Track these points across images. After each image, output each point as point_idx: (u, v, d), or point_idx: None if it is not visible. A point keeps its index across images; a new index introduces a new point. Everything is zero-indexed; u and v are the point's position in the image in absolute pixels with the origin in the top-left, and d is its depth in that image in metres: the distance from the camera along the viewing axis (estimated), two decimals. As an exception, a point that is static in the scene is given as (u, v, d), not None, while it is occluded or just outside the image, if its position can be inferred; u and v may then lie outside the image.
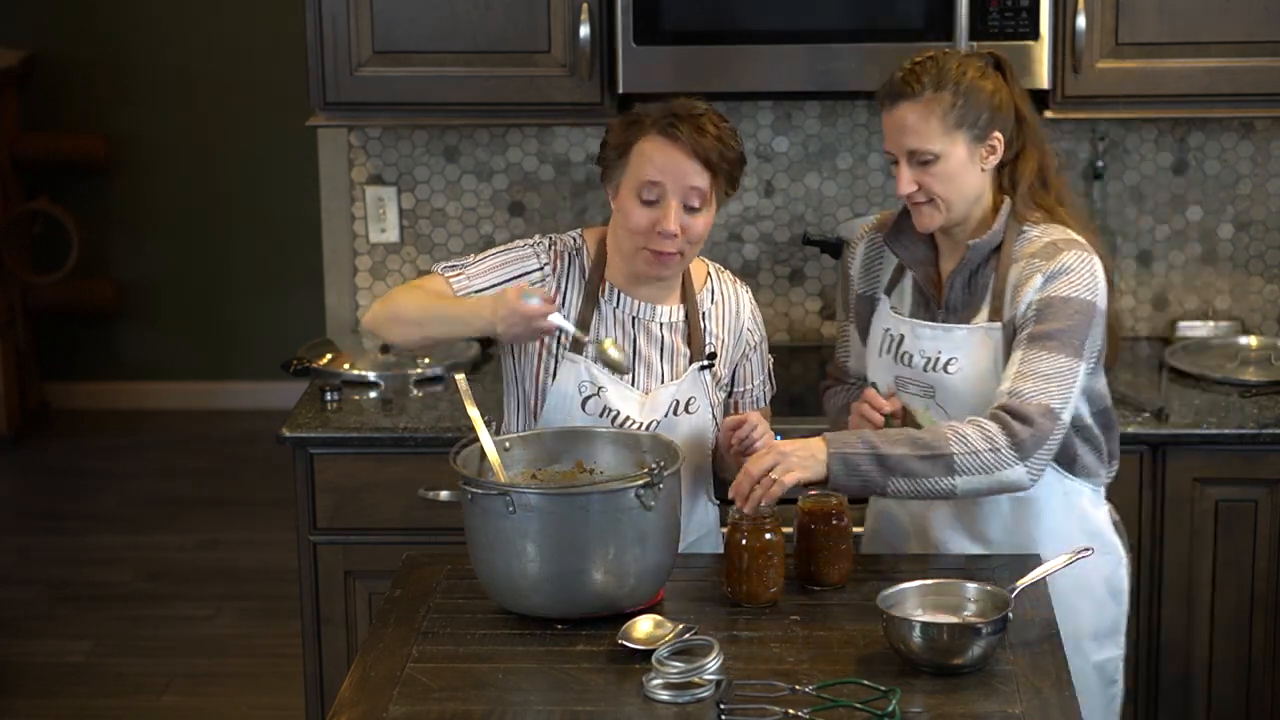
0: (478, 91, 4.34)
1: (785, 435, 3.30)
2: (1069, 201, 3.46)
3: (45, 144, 7.49)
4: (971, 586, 3.11)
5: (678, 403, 3.44)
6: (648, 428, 3.40)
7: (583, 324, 3.41)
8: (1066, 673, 3.00)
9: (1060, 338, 3.27)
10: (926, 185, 3.33)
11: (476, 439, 3.26)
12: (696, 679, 2.90)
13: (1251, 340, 4.58)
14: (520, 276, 3.42)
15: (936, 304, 3.43)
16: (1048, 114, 4.30)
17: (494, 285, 3.40)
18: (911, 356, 3.43)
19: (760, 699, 2.89)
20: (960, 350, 3.39)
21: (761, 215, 4.72)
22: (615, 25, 4.26)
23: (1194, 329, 4.66)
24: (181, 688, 5.38)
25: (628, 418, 3.41)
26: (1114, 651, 3.53)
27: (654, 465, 3.12)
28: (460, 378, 3.32)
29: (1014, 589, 3.09)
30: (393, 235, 4.76)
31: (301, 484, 4.23)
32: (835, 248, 4.56)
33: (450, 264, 3.45)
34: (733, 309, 3.53)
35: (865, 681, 2.92)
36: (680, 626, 3.05)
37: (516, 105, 4.36)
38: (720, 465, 3.50)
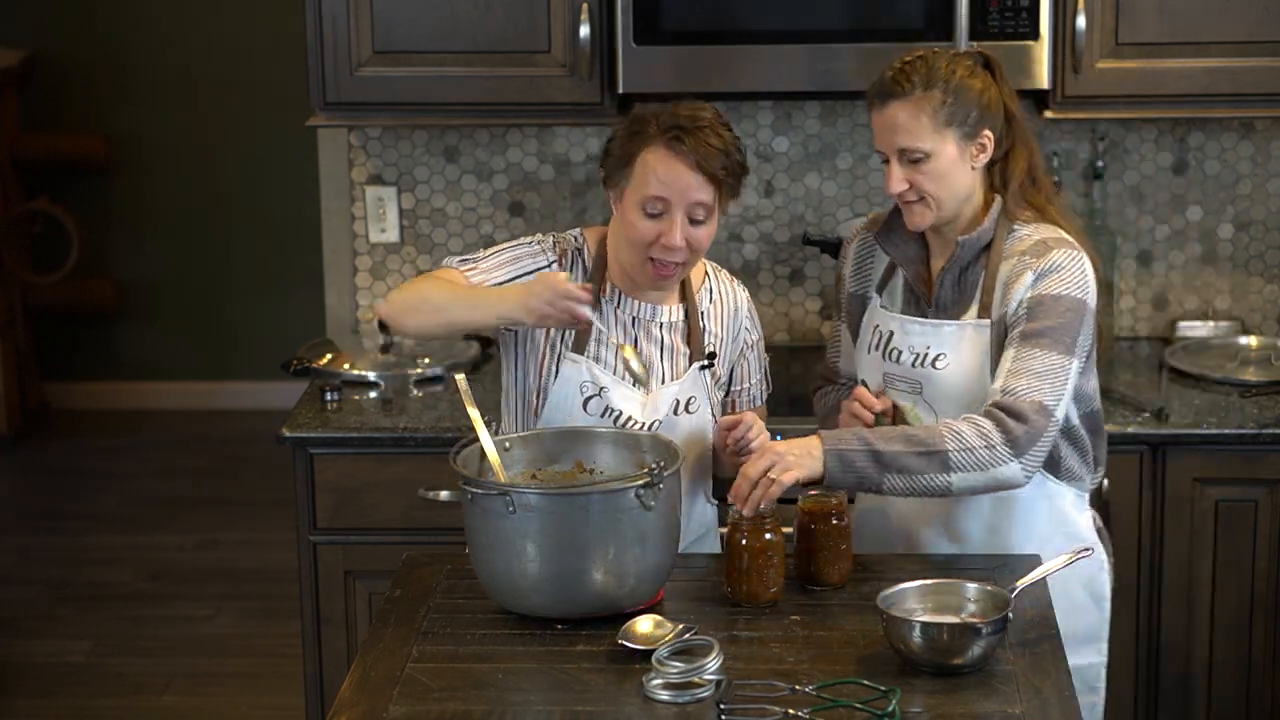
0: (478, 91, 4.34)
1: (785, 435, 3.30)
2: (1058, 200, 3.47)
3: (45, 144, 7.49)
4: (971, 586, 3.11)
5: (678, 403, 3.44)
6: (649, 428, 3.40)
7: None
8: (1066, 673, 3.00)
9: (1052, 335, 3.28)
10: (917, 184, 3.34)
11: (476, 439, 3.26)
12: (696, 679, 2.90)
13: (1251, 340, 4.58)
14: (532, 272, 3.42)
15: (927, 302, 3.44)
16: (1048, 114, 4.30)
17: (507, 280, 3.40)
18: (900, 353, 3.44)
19: (760, 699, 2.89)
20: (949, 346, 3.39)
21: (761, 215, 4.72)
22: (615, 25, 4.26)
23: (1194, 329, 4.66)
24: (181, 688, 5.38)
25: (630, 418, 3.41)
26: (1095, 658, 3.51)
27: (654, 465, 3.12)
28: (460, 378, 3.32)
29: (1014, 589, 3.09)
30: (393, 235, 4.76)
31: (301, 484, 4.23)
32: (835, 248, 4.56)
33: (462, 258, 3.45)
34: (730, 308, 3.53)
35: (865, 681, 2.92)
36: (680, 626, 3.05)
37: (516, 105, 4.36)
38: (716, 465, 3.50)
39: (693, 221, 3.32)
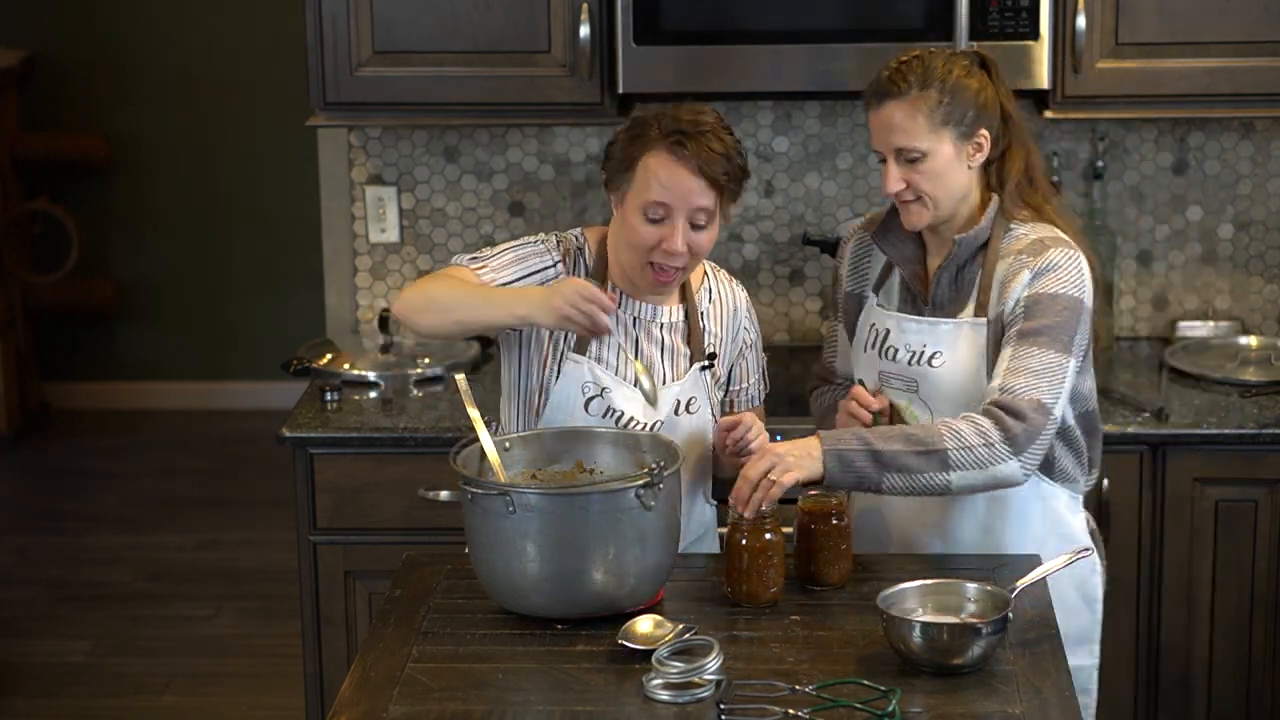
0: (478, 91, 4.34)
1: (785, 435, 3.30)
2: (1056, 200, 3.47)
3: (45, 144, 7.49)
4: (971, 586, 3.11)
5: (679, 403, 3.44)
6: (651, 428, 3.40)
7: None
8: (1066, 673, 3.00)
9: (1049, 334, 3.28)
10: (914, 183, 3.34)
11: (476, 439, 3.26)
12: (696, 679, 2.90)
13: (1251, 340, 4.58)
14: (540, 272, 3.42)
15: (923, 300, 3.44)
16: (1048, 114, 4.30)
17: (514, 279, 3.40)
18: (896, 351, 3.44)
19: (760, 699, 2.89)
20: (945, 344, 3.40)
21: (761, 215, 4.72)
22: (615, 25, 4.26)
23: (1194, 329, 4.66)
24: (181, 688, 5.38)
25: (631, 418, 3.41)
26: (1087, 660, 3.51)
27: (654, 465, 3.12)
28: (460, 378, 3.32)
29: (1014, 589, 3.09)
30: (393, 235, 4.76)
31: (301, 484, 4.23)
32: (835, 248, 4.54)
33: (472, 255, 3.44)
34: (730, 307, 3.53)
35: (865, 681, 2.92)
36: (680, 626, 3.05)
37: (516, 105, 4.36)
38: (715, 465, 3.50)
39: (694, 226, 3.32)
